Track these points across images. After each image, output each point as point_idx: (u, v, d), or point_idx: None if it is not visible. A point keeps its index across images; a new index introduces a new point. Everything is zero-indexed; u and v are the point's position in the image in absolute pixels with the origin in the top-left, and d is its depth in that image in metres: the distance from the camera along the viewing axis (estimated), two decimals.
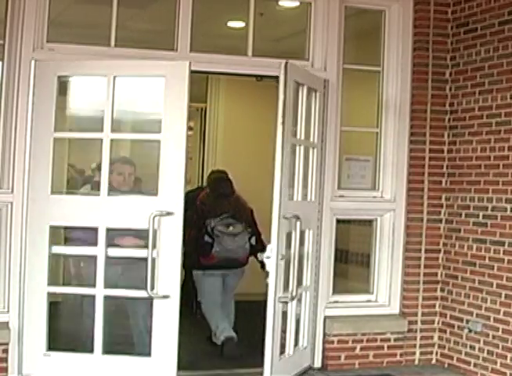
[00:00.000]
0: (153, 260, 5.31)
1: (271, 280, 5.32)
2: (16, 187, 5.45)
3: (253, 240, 6.82)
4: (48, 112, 5.43)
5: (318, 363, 6.17)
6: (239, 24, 6.89)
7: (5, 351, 5.40)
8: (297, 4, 6.49)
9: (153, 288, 5.30)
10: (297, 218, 5.48)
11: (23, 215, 5.42)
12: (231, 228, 6.73)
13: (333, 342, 6.16)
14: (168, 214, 5.34)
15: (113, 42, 5.71)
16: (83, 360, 5.47)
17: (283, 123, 5.34)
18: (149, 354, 5.42)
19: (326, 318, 6.18)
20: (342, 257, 6.97)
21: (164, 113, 5.40)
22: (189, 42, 5.86)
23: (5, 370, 5.39)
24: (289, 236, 5.55)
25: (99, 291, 5.41)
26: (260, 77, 6.65)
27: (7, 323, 5.43)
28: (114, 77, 5.41)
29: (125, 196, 5.60)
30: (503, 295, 5.78)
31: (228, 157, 9.20)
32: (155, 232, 5.32)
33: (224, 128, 9.64)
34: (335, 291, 6.32)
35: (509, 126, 5.82)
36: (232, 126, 9.56)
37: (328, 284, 6.24)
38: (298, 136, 5.80)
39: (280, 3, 6.74)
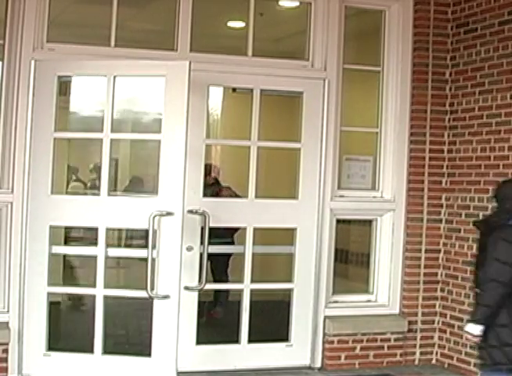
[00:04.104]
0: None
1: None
2: (16, 187, 5.45)
3: None
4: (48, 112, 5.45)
5: (318, 363, 6.16)
6: (239, 24, 6.88)
7: (5, 351, 5.40)
8: (297, 4, 6.49)
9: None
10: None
11: (23, 215, 5.43)
12: None
13: (333, 342, 6.16)
14: None
15: (113, 42, 5.71)
16: (83, 360, 5.49)
17: None
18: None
19: (326, 318, 6.18)
20: (342, 257, 6.98)
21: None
22: (189, 42, 5.86)
23: (5, 370, 5.39)
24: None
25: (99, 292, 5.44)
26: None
27: (7, 323, 5.44)
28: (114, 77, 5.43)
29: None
30: None
31: None
32: None
33: None
34: (335, 291, 6.31)
35: (509, 126, 5.82)
36: None
37: (328, 284, 6.23)
38: None
39: (280, 3, 6.74)
